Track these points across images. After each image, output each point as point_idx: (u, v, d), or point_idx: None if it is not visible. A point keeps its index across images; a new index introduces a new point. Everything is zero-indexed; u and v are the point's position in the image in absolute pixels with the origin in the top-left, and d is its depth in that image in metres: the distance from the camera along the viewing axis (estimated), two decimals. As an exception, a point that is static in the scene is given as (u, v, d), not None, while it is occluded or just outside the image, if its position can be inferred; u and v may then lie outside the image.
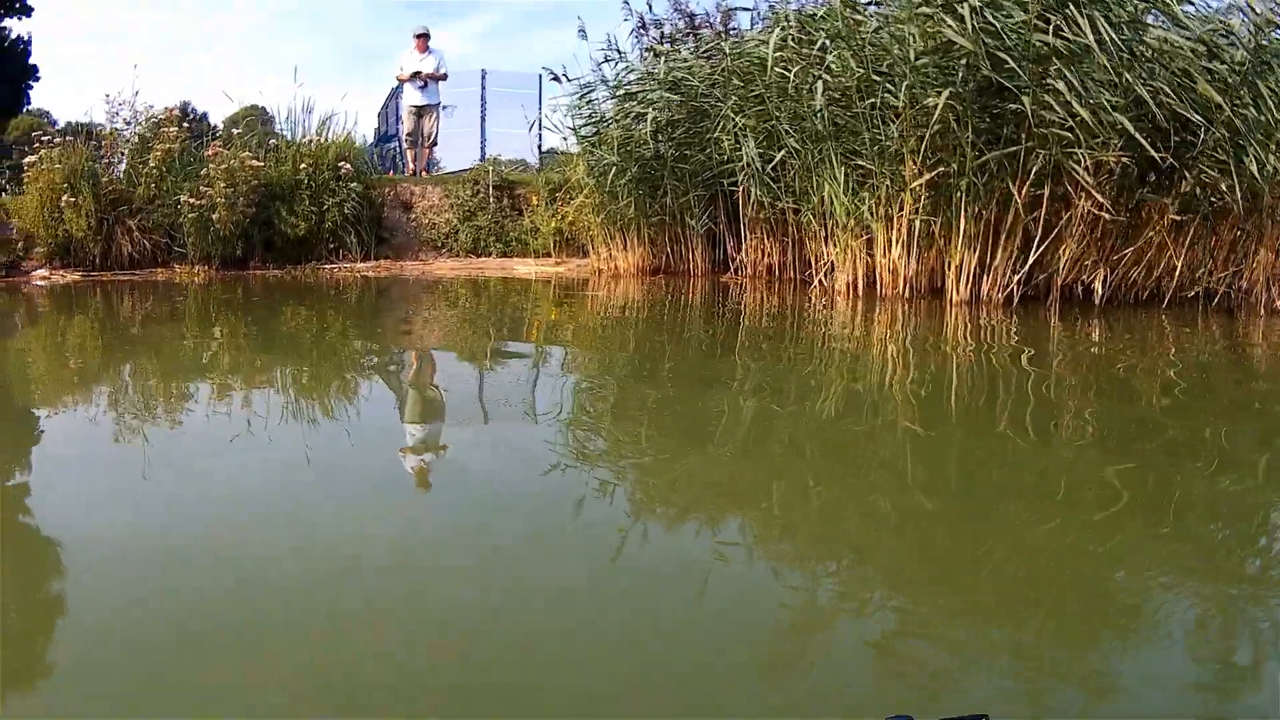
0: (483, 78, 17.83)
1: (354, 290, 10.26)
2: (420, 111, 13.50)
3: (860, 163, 8.07)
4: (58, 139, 12.67)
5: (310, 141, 12.41)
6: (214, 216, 11.59)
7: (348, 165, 12.09)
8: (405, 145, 14.09)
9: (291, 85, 22.65)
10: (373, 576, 2.30)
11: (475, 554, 2.48)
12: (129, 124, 13.23)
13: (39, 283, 12.41)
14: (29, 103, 23.95)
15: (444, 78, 13.28)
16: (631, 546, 2.51)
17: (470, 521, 2.76)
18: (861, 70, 7.84)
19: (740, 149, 9.40)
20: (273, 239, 11.97)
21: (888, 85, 7.68)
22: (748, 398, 4.48)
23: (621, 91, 10.90)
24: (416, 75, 13.21)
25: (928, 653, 1.97)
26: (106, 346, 6.76)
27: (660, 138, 10.19)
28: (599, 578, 2.31)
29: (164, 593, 2.19)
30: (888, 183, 7.86)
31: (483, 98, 17.73)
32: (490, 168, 12.80)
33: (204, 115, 13.21)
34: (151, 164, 12.27)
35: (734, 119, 9.36)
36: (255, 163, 11.72)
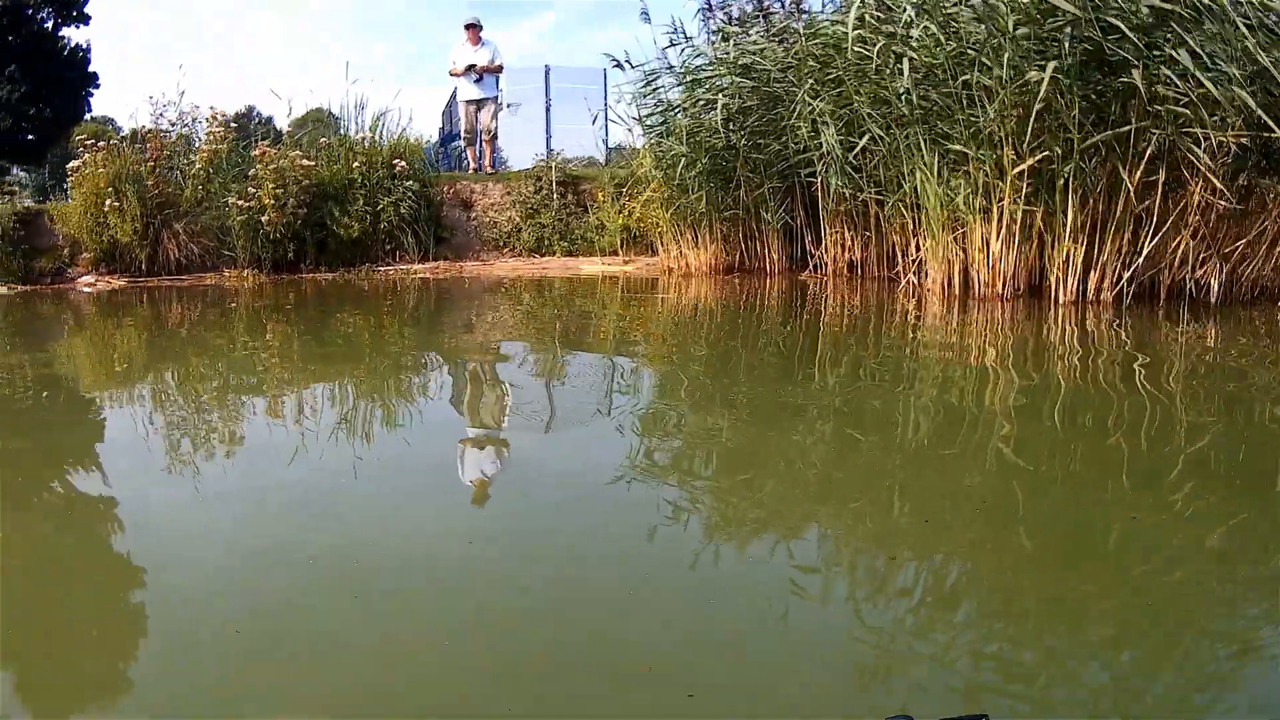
0: (546, 74, 17.85)
1: (411, 293, 10.13)
2: (477, 105, 13.40)
3: (953, 147, 7.71)
4: (101, 143, 12.59)
5: (363, 139, 12.34)
6: (263, 219, 11.56)
7: (403, 163, 12.02)
8: (464, 142, 13.95)
9: (344, 82, 22.69)
10: (434, 586, 2.41)
11: (536, 566, 2.51)
12: (174, 125, 13.22)
13: (85, 289, 12.45)
14: (90, 110, 24.63)
15: (499, 69, 13.18)
16: (704, 569, 2.49)
17: (531, 531, 2.81)
18: (953, 44, 7.50)
19: (818, 136, 9.17)
20: (326, 241, 11.92)
21: (983, 60, 7.29)
22: (827, 417, 4.19)
23: (689, 78, 10.63)
24: (470, 68, 13.11)
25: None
26: (154, 355, 6.81)
27: (731, 126, 9.94)
28: (662, 600, 2.29)
29: (243, 592, 2.34)
30: (986, 169, 7.45)
31: (546, 94, 17.75)
32: (553, 163, 12.63)
33: (269, 119, 13.09)
34: (198, 165, 12.27)
35: (811, 104, 9.09)
36: (305, 162, 11.69)
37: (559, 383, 5.28)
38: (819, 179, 9.62)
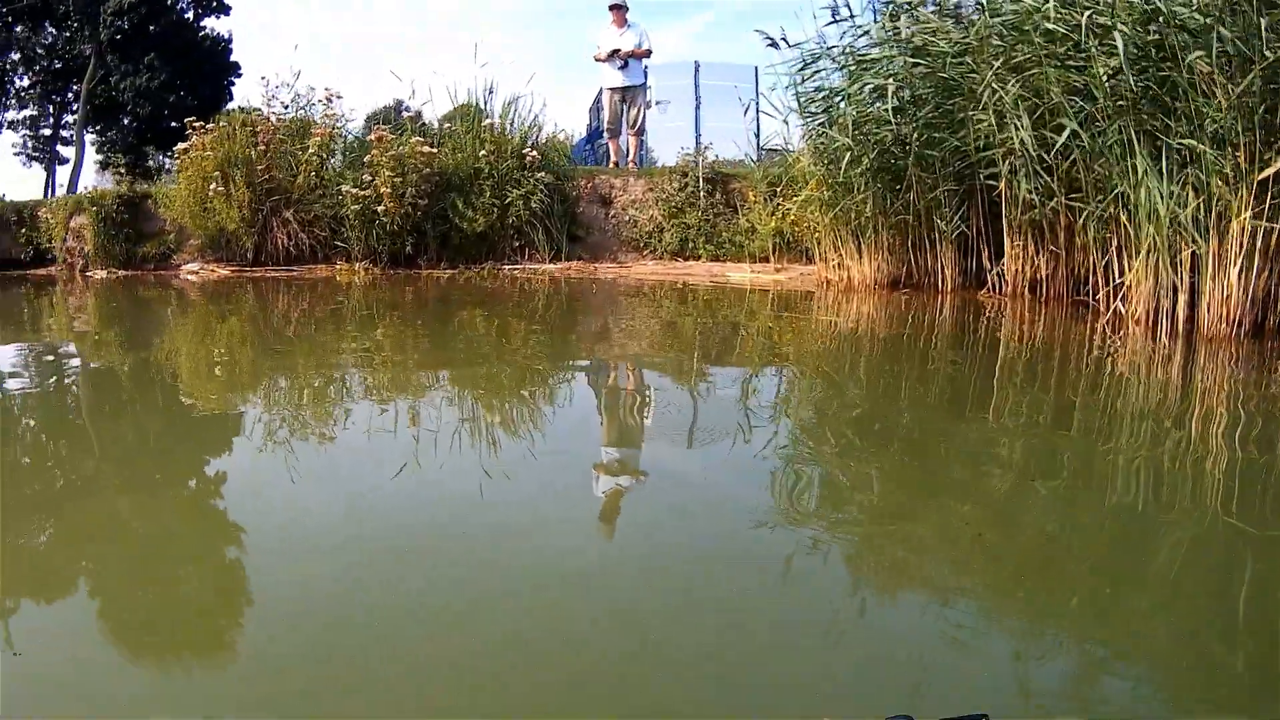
0: (695, 70, 16.75)
1: (539, 295, 9.35)
2: (622, 94, 12.38)
3: (1184, 142, 6.45)
4: (210, 125, 11.27)
5: (491, 125, 10.79)
6: (379, 209, 10.20)
7: (535, 153, 10.48)
8: (607, 133, 13.03)
9: (473, 66, 21.28)
10: (556, 606, 2.25)
11: (665, 599, 2.31)
12: (287, 108, 11.87)
13: (188, 277, 11.37)
14: (231, 99, 24.64)
15: (647, 54, 12.02)
16: (842, 627, 2.15)
17: (661, 562, 2.56)
18: (1183, 9, 6.24)
19: (1004, 130, 7.95)
20: (448, 235, 10.87)
21: (1217, 32, 5.99)
22: (1007, 468, 3.49)
23: (853, 62, 9.34)
24: (615, 53, 12.09)
25: None
26: (257, 352, 6.38)
27: (903, 117, 8.65)
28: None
29: (357, 589, 2.32)
30: (1224, 173, 6.18)
31: (696, 91, 16.59)
32: (699, 158, 10.97)
33: (418, 114, 11.80)
34: (310, 150, 10.84)
35: (998, 91, 7.85)
36: (427, 148, 10.22)
37: (698, 403, 4.74)
38: (1001, 181, 8.30)
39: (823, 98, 9.59)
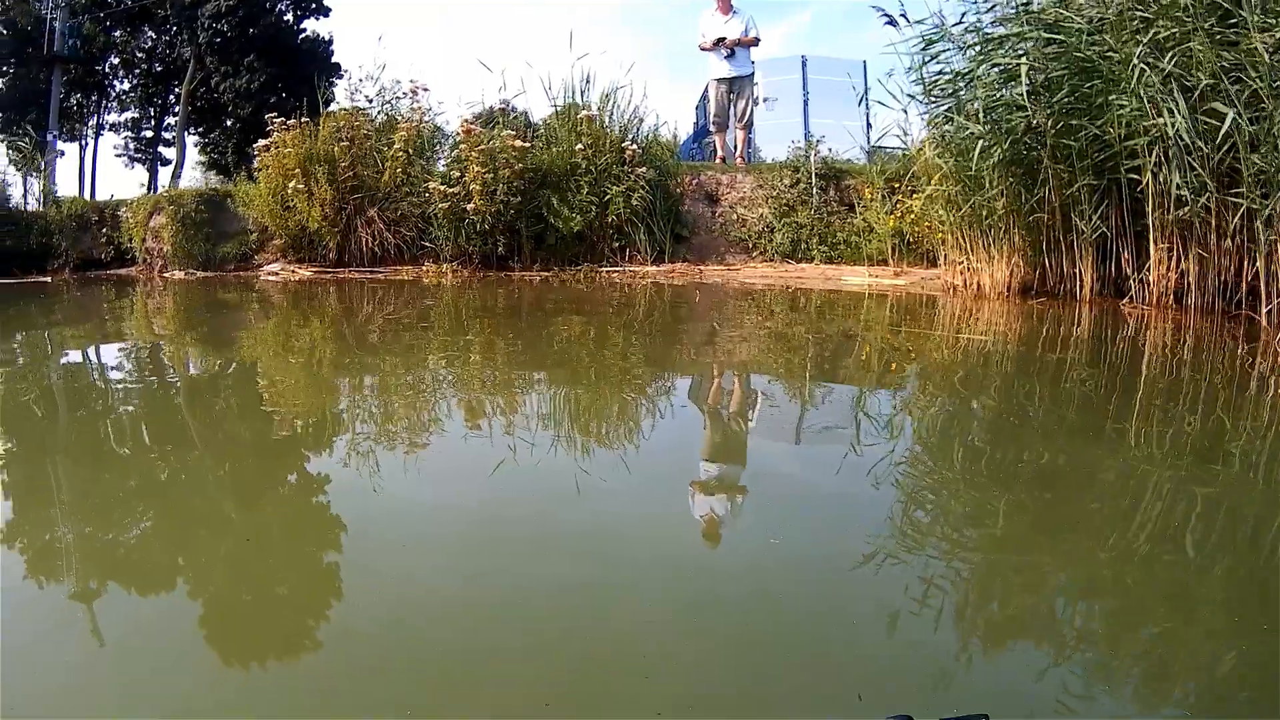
0: (803, 65, 15.84)
1: (639, 300, 8.48)
2: (729, 85, 11.48)
3: None
4: (291, 121, 10.46)
5: (589, 118, 9.82)
6: (468, 207, 9.26)
7: (635, 146, 9.45)
8: (713, 127, 12.09)
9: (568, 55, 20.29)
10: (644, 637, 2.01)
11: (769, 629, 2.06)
12: (371, 102, 11.04)
13: (268, 278, 10.56)
14: (333, 100, 24.30)
15: (755, 42, 11.14)
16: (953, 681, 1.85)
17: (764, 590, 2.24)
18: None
19: (1152, 115, 6.84)
20: (543, 235, 10.00)
21: None
22: (1146, 517, 2.73)
23: (979, 40, 8.24)
24: (721, 42, 11.13)
25: None
26: (340, 356, 5.88)
27: (1036, 102, 7.60)
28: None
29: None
30: None
31: (804, 87, 15.69)
32: (811, 152, 9.93)
33: (525, 114, 10.88)
34: (396, 146, 9.96)
35: (1146, 71, 6.78)
36: (519, 143, 9.25)
37: (807, 420, 4.15)
38: (1145, 174, 7.21)
39: (947, 81, 8.58)
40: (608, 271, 9.93)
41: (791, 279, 9.66)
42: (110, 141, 35.75)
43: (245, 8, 26.51)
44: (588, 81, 10.85)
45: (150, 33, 30.63)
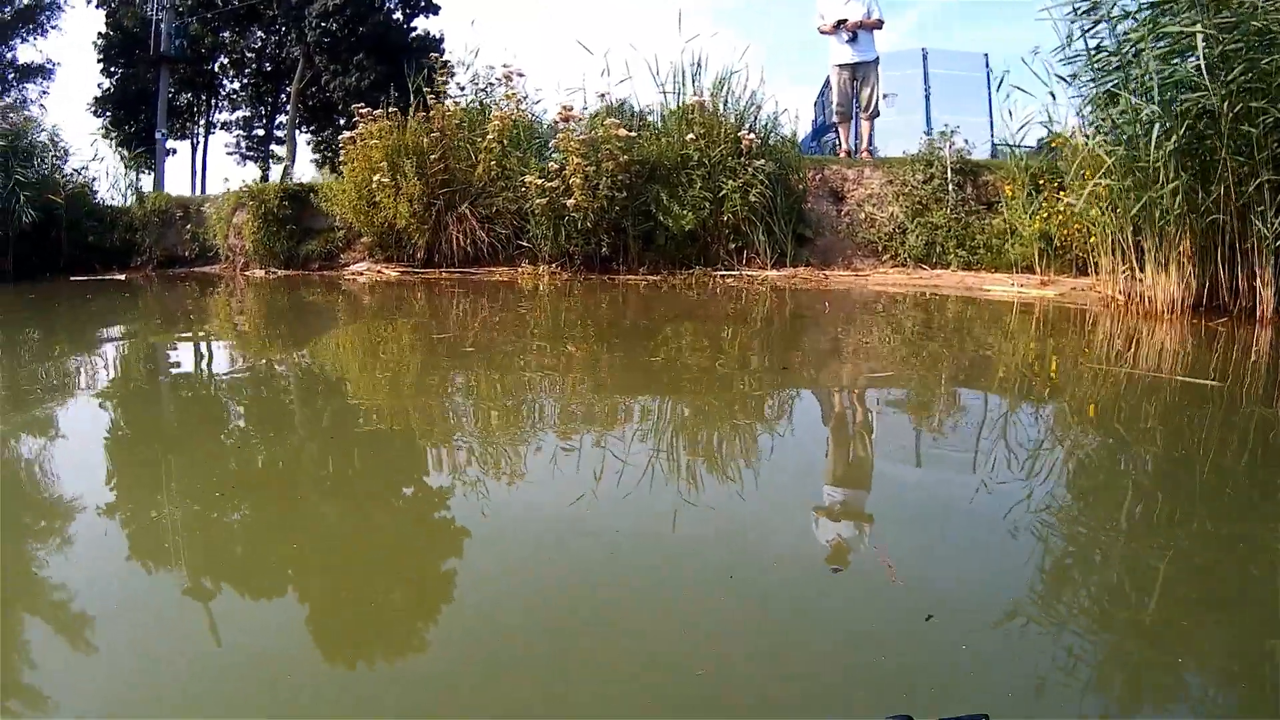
0: (924, 58, 14.92)
1: (758, 309, 7.31)
2: (851, 71, 10.26)
3: None
4: (379, 111, 9.41)
5: (701, 105, 8.57)
6: (568, 203, 8.05)
7: (752, 135, 8.19)
8: (836, 117, 10.86)
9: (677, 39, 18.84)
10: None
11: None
12: (463, 90, 9.97)
13: (353, 278, 10.26)
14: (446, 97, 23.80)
15: (879, 25, 9.96)
16: None
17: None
18: None
19: None
20: (651, 234, 8.72)
21: None
22: None
23: (1147, 5, 6.86)
24: (842, 24, 10.03)
25: None
26: (423, 370, 5.10)
27: (1214, 80, 6.31)
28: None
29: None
30: None
31: (925, 82, 14.80)
32: (947, 143, 8.60)
33: (644, 112, 9.69)
34: (490, 137, 8.81)
35: None
36: (624, 132, 8.02)
37: (941, 455, 3.41)
38: None
39: (1111, 54, 7.23)
40: (722, 276, 8.80)
41: (927, 287, 8.38)
42: (222, 140, 35.72)
43: (353, 6, 26.06)
44: (699, 65, 9.69)
45: (259, 33, 30.64)
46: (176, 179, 33.03)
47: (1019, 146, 9.49)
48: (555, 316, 7.00)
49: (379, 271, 9.96)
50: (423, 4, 29.21)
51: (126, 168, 14.00)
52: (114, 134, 29.59)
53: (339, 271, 10.46)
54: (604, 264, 9.12)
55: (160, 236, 12.78)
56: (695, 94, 9.48)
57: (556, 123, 9.32)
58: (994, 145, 11.89)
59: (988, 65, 14.58)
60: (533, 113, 10.05)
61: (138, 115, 29.45)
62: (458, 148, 9.79)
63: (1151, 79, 6.64)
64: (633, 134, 9.07)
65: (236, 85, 33.39)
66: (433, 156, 9.57)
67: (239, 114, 34.52)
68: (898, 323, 6.68)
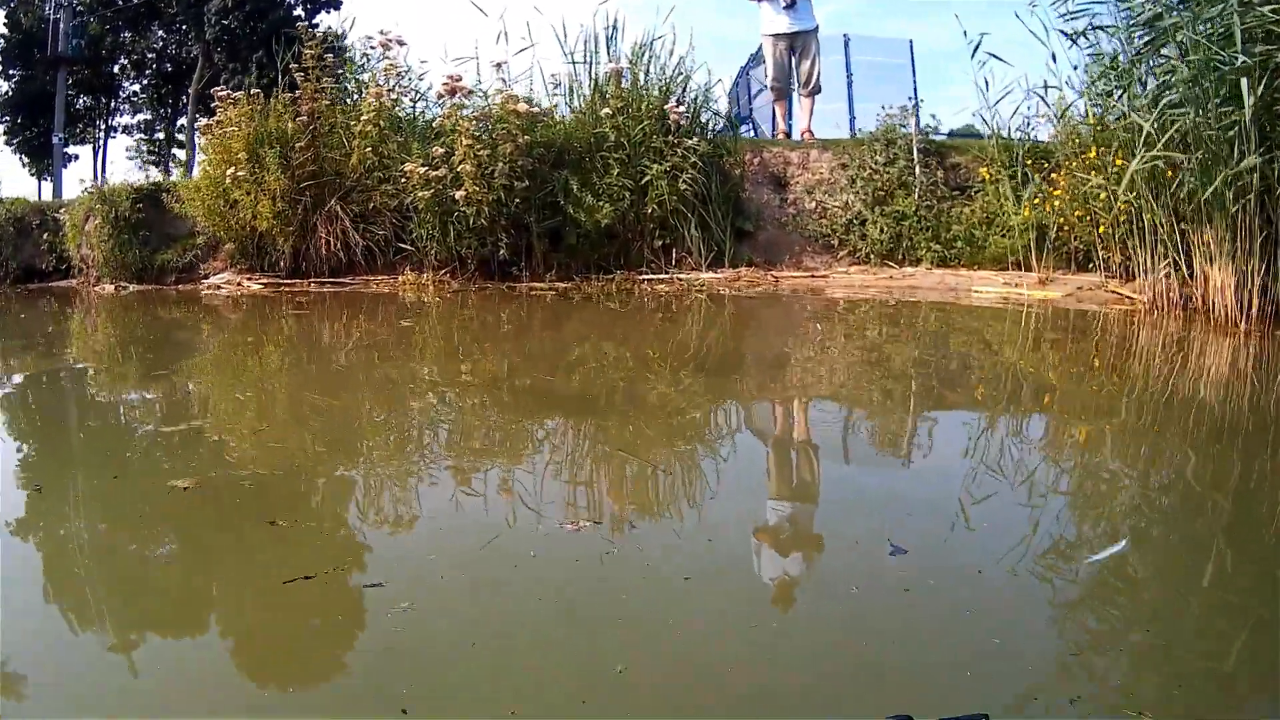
0: (845, 45, 13.11)
1: (693, 322, 5.43)
2: (789, 42, 8.33)
3: None
4: (239, 94, 8.21)
5: (618, 74, 6.62)
6: (457, 195, 5.90)
7: (682, 109, 6.26)
8: (772, 94, 8.90)
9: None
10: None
11: None
12: (339, 67, 7.94)
13: (212, 292, 8.04)
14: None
15: None
16: None
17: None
18: None
19: None
20: (560, 231, 6.35)
21: None
22: None
23: None
24: None
25: None
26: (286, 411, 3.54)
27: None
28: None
29: None
30: None
31: (848, 68, 12.98)
32: (911, 119, 6.77)
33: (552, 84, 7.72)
34: (365, 117, 6.76)
35: None
36: (524, 106, 6.03)
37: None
38: None
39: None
40: (648, 281, 6.82)
41: (900, 289, 6.52)
42: (124, 144, 33.15)
43: (253, 2, 23.57)
44: (615, 29, 7.60)
45: (160, 32, 28.22)
46: (77, 186, 30.46)
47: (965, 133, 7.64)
48: (438, 339, 5.08)
49: (238, 284, 7.88)
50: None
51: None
52: (13, 140, 27.65)
53: (197, 285, 8.34)
54: (503, 269, 7.04)
55: (17, 248, 10.54)
56: (611, 62, 7.46)
57: (441, 96, 7.34)
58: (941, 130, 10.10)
59: (912, 52, 13.31)
60: (417, 89, 8.04)
61: (37, 120, 27.05)
62: (329, 133, 7.73)
63: (1232, 15, 4.84)
64: (536, 108, 7.08)
65: (137, 87, 30.70)
66: (299, 144, 7.51)
67: (140, 117, 31.97)
68: (883, 351, 4.66)
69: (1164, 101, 5.28)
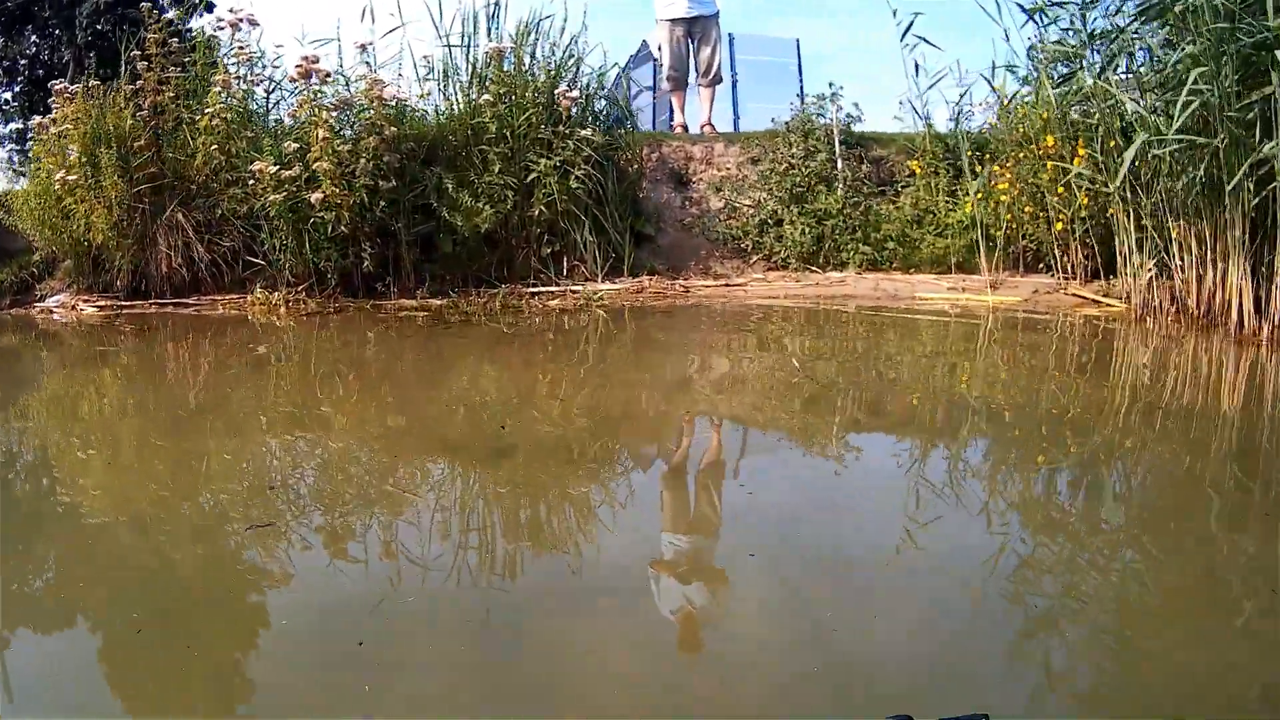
0: (730, 43, 11.70)
1: (589, 347, 4.40)
2: (688, 27, 7.28)
3: None
4: (75, 87, 6.79)
5: (500, 53, 5.56)
6: (313, 197, 4.68)
7: (575, 94, 5.22)
8: (668, 84, 7.73)
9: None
10: None
11: None
12: (185, 53, 6.80)
13: (46, 316, 6.56)
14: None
15: None
16: None
17: None
18: None
19: None
20: (434, 238, 5.93)
21: None
22: None
23: None
24: None
25: None
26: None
27: None
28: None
29: None
30: None
31: (732, 67, 11.66)
32: (832, 107, 5.89)
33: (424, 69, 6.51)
34: (211, 109, 5.55)
35: None
36: (391, 90, 4.92)
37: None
38: None
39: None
40: (537, 295, 5.69)
41: (833, 298, 5.51)
42: (-1, 154, 30.58)
43: (124, 5, 21.79)
44: (496, 5, 6.31)
45: (34, 37, 26.10)
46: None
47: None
48: (285, 373, 3.98)
49: (72, 308, 6.62)
50: (197, 2, 25.01)
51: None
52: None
53: (29, 309, 7.04)
54: (368, 284, 5.84)
55: None
56: (494, 44, 6.22)
57: (295, 81, 6.16)
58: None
59: (799, 51, 12.07)
60: (271, 78, 6.82)
61: (-95, 131, 24.64)
62: (174, 130, 6.50)
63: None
64: (403, 95, 5.95)
65: (9, 95, 28.08)
66: (138, 143, 6.28)
67: (12, 126, 29.37)
68: (840, 382, 3.63)
69: (1169, 79, 4.41)
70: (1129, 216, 4.84)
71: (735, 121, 11.41)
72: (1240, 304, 4.20)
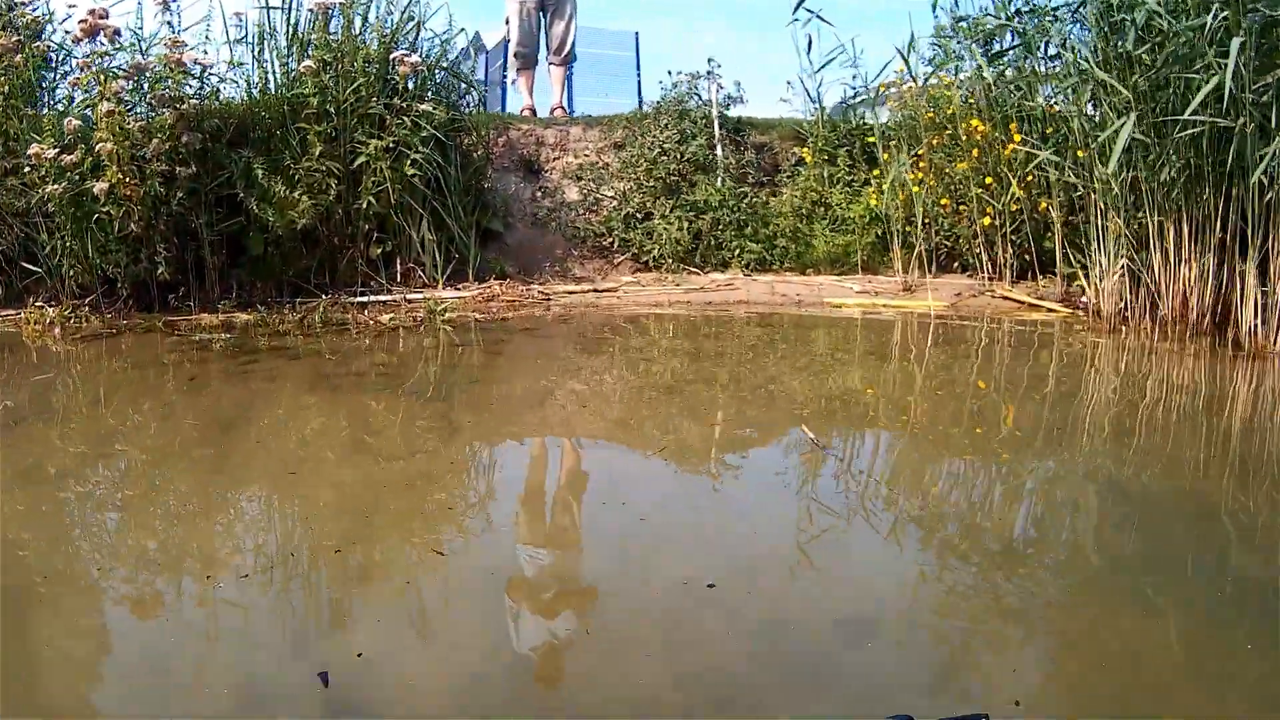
0: None
1: (436, 384, 3.19)
2: (539, 3, 6.29)
3: None
4: None
5: (324, 10, 4.43)
6: (96, 188, 4.30)
7: (414, 58, 4.17)
8: (515, 64, 6.67)
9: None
10: None
11: None
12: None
13: None
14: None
15: None
16: None
17: None
18: None
19: None
20: (243, 237, 4.73)
21: None
22: None
23: None
24: None
25: None
26: None
27: None
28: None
29: None
30: None
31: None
32: (711, 86, 4.96)
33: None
34: (-22, 83, 4.46)
35: None
36: (191, 55, 3.75)
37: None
38: None
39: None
40: (365, 306, 4.57)
41: (724, 305, 4.60)
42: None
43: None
44: None
45: None
46: None
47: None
48: (74, 397, 2.98)
49: None
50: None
51: None
52: None
53: None
54: (164, 296, 4.66)
55: None
56: (319, 0, 5.25)
57: (79, 41, 4.82)
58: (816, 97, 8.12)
59: (637, 44, 10.80)
60: (63, 44, 5.56)
61: None
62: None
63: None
64: (209, 62, 4.79)
65: None
66: (-113, 124, 5.02)
67: None
68: (693, 380, 2.83)
69: (1176, 54, 3.62)
70: (1097, 211, 4.09)
71: (570, 111, 10.56)
72: (1239, 310, 3.50)
